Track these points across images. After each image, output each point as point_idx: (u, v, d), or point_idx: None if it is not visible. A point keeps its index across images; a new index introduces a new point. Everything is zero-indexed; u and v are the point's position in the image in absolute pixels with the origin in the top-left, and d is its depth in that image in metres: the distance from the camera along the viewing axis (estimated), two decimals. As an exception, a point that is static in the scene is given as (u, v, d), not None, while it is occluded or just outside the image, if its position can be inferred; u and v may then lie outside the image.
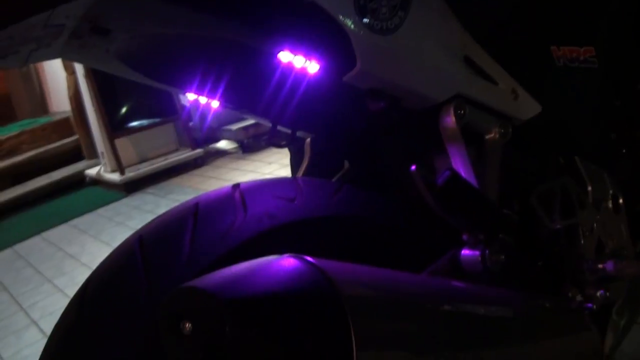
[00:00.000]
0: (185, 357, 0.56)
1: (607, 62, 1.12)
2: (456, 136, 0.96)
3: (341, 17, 0.78)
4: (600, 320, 1.21)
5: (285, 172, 4.72)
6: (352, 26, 0.79)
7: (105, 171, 5.68)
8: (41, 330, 3.08)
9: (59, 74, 6.27)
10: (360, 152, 1.19)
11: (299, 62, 0.84)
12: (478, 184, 0.95)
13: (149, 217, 1.00)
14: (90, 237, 4.41)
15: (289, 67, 0.87)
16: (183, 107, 5.69)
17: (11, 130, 6.64)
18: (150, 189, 5.36)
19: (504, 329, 0.84)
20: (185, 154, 5.72)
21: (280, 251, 0.66)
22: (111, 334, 0.75)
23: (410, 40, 0.87)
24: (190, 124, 5.92)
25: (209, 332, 0.54)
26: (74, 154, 6.56)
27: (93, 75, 5.16)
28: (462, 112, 0.96)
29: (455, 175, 0.85)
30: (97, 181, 5.90)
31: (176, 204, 0.90)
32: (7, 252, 4.58)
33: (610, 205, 1.26)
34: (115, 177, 5.45)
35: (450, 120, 0.95)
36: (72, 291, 3.40)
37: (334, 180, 1.17)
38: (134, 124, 5.53)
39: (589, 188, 1.21)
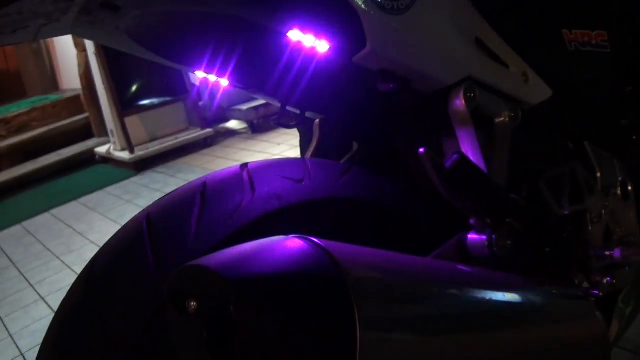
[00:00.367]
0: (190, 335, 0.56)
1: (619, 47, 1.11)
2: (466, 119, 0.96)
3: (352, -5, 0.77)
4: (607, 307, 1.21)
5: (294, 153, 4.72)
6: (363, 5, 0.78)
7: (115, 149, 5.69)
8: (49, 306, 3.10)
9: (70, 51, 6.27)
10: (369, 133, 1.18)
11: (309, 42, 0.84)
12: (486, 168, 0.95)
13: (157, 196, 1.00)
14: (99, 215, 4.43)
15: (298, 46, 0.86)
16: (193, 86, 5.68)
17: (21, 107, 6.65)
18: (160, 168, 5.37)
19: (509, 314, 0.84)
20: (195, 134, 5.72)
21: (287, 231, 0.66)
22: (117, 311, 0.76)
23: (421, 21, 0.87)
24: (200, 103, 5.92)
25: (213, 310, 0.55)
26: (84, 132, 6.57)
27: (104, 52, 5.16)
28: (472, 95, 0.95)
29: (463, 158, 0.85)
30: (107, 159, 5.91)
31: (185, 183, 0.90)
32: (16, 228, 4.61)
33: (619, 192, 1.25)
34: (124, 155, 5.46)
35: (460, 103, 0.95)
36: (80, 268, 3.41)
37: (342, 161, 1.16)
38: (144, 102, 5.54)
39: (598, 174, 1.21)
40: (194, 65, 1.01)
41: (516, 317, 0.85)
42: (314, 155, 1.16)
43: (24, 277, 3.56)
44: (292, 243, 0.61)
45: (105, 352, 0.75)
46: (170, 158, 5.53)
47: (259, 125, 5.84)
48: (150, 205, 0.87)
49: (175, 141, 5.61)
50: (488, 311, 0.79)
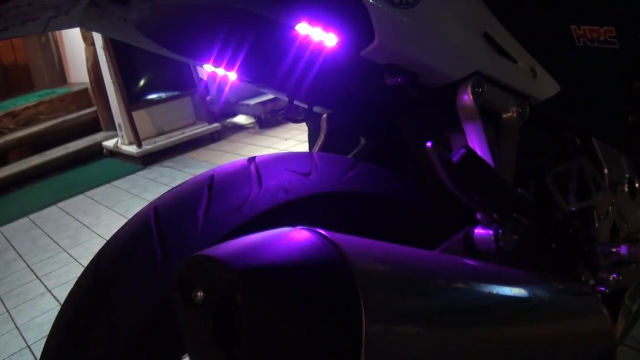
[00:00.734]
0: (197, 326, 0.57)
1: (627, 43, 1.11)
2: (473, 114, 0.95)
3: (360, -11, 0.77)
4: (612, 304, 1.21)
5: (301, 148, 4.72)
6: (371, -1, 0.78)
7: (122, 143, 5.70)
8: (56, 299, 3.11)
9: (78, 44, 6.27)
10: (376, 128, 1.18)
11: (317, 35, 0.84)
12: (494, 163, 0.95)
13: (164, 190, 1.00)
14: (106, 209, 4.44)
15: (306, 40, 0.86)
16: (201, 80, 5.69)
17: (29, 100, 6.65)
18: (167, 162, 5.38)
19: (515, 309, 0.84)
20: (202, 128, 5.73)
21: (294, 225, 0.66)
22: (124, 303, 0.76)
23: (430, 15, 0.86)
24: (208, 97, 5.92)
25: (220, 300, 0.55)
26: (91, 125, 6.58)
27: (112, 46, 5.17)
28: (480, 90, 0.95)
29: (470, 153, 0.85)
30: (114, 153, 5.92)
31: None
32: (24, 221, 4.62)
33: (626, 188, 1.25)
34: (132, 149, 5.47)
35: (467, 98, 0.95)
36: (86, 261, 3.42)
37: (349, 156, 1.16)
38: (152, 96, 5.54)
39: (605, 171, 1.21)
40: (202, 58, 1.01)
41: (522, 312, 0.85)
42: (321, 149, 1.16)
43: (31, 269, 3.58)
44: (299, 234, 0.61)
45: (112, 345, 0.75)
46: (177, 152, 5.54)
47: (267, 120, 5.85)
48: (158, 198, 0.87)
49: (182, 135, 5.62)
50: (494, 306, 0.79)
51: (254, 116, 5.97)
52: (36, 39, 7.33)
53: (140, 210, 0.85)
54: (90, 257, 0.84)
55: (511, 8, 1.01)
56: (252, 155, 0.92)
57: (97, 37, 5.40)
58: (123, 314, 0.75)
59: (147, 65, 5.46)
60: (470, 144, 0.96)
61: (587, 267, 1.15)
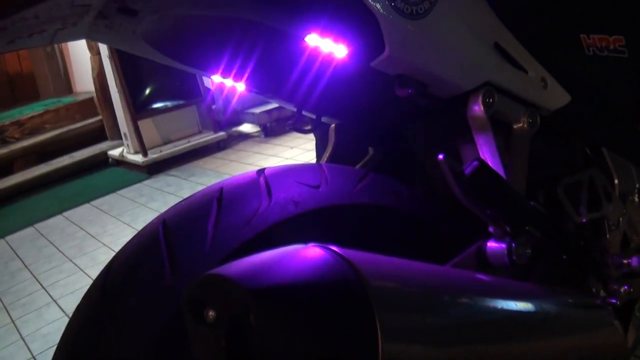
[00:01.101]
0: (209, 345, 0.56)
1: (636, 52, 1.10)
2: (484, 125, 0.95)
3: (370, 0, 0.77)
4: (624, 316, 1.20)
5: (307, 156, 4.72)
6: (382, 10, 0.78)
7: (128, 152, 5.71)
8: (61, 309, 3.11)
9: (83, 54, 6.29)
10: (385, 139, 1.17)
11: (326, 46, 0.83)
12: (505, 175, 0.94)
13: (170, 199, 1.00)
14: (111, 218, 4.44)
15: (316, 51, 0.85)
16: (207, 89, 5.69)
17: (35, 110, 6.66)
18: (173, 171, 5.38)
19: (529, 323, 0.83)
20: (208, 137, 5.73)
21: (304, 238, 0.65)
22: (133, 318, 0.75)
23: (440, 26, 0.86)
24: (214, 106, 5.93)
25: (232, 320, 0.54)
26: (97, 135, 6.59)
27: (117, 55, 5.18)
28: (491, 100, 0.94)
29: (483, 165, 0.84)
30: (120, 162, 5.93)
31: (198, 186, 0.89)
32: (29, 230, 4.62)
33: (636, 199, 1.24)
34: (137, 158, 5.47)
35: (478, 108, 0.94)
36: (92, 271, 3.43)
37: (358, 167, 1.16)
38: (158, 105, 5.55)
39: (616, 181, 1.20)
40: (210, 69, 1.01)
41: (535, 326, 0.85)
42: (329, 160, 1.15)
43: (37, 279, 3.57)
44: (312, 252, 0.60)
45: None
46: (183, 161, 5.54)
47: (272, 129, 5.85)
48: (166, 210, 0.86)
49: (188, 144, 5.62)
50: (509, 321, 0.78)
51: (260, 125, 5.98)
52: (42, 48, 7.34)
53: (148, 224, 0.85)
54: (96, 267, 0.83)
55: (521, 18, 1.01)
56: (257, 163, 0.92)
57: (103, 47, 5.41)
58: (131, 330, 0.75)
59: (153, 74, 5.47)
60: (482, 155, 0.95)
61: (597, 279, 1.14)
